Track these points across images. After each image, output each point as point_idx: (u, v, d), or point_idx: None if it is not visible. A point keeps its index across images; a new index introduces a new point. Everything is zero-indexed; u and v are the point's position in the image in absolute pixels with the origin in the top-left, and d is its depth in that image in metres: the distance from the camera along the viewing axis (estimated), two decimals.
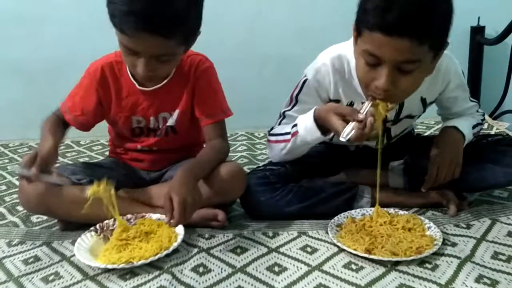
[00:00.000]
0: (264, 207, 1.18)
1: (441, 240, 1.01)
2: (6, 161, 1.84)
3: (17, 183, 1.55)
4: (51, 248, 1.09)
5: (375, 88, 0.98)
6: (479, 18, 2.18)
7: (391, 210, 1.15)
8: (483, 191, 1.29)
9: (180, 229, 1.07)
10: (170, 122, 1.23)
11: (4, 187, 1.56)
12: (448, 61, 1.15)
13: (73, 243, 1.07)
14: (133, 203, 1.19)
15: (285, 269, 0.96)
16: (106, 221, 1.11)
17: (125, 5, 0.95)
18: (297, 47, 2.15)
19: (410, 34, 0.90)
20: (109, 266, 0.96)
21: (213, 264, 0.99)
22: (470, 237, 1.05)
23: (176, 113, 1.22)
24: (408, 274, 0.92)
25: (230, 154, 1.32)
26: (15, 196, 1.43)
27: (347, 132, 0.95)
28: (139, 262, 0.97)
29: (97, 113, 1.23)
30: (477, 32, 2.20)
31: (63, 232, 1.18)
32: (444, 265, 0.94)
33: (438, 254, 0.97)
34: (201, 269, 0.97)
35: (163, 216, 1.07)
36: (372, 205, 1.17)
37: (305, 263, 0.98)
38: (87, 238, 1.07)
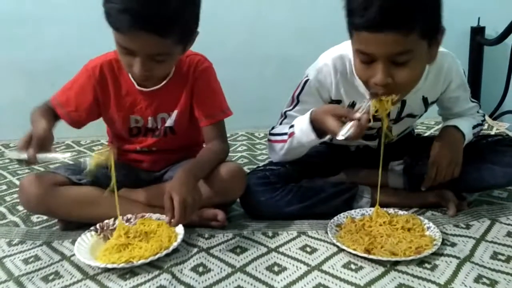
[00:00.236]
0: (264, 207, 1.18)
1: (441, 240, 1.01)
2: (7, 161, 1.84)
3: (17, 183, 1.56)
4: (51, 248, 1.09)
5: (374, 84, 0.99)
6: (479, 18, 2.19)
7: (391, 210, 1.15)
8: (483, 191, 1.29)
9: (180, 229, 1.07)
10: (169, 122, 1.23)
11: (4, 187, 1.56)
12: (451, 61, 1.16)
13: (73, 242, 1.07)
14: (133, 203, 1.19)
15: (285, 269, 0.97)
16: (106, 221, 1.11)
17: (120, 3, 0.96)
18: (298, 47, 2.15)
19: (394, 27, 0.90)
20: (109, 266, 0.96)
21: (213, 263, 1.00)
22: (470, 237, 1.05)
23: (174, 113, 1.22)
24: (407, 274, 0.92)
25: (230, 154, 1.32)
26: (15, 195, 1.43)
27: (345, 130, 0.95)
28: (139, 262, 0.97)
29: (92, 111, 1.21)
30: (477, 32, 2.21)
31: (63, 232, 1.18)
32: (443, 265, 0.94)
33: (437, 254, 0.97)
34: (200, 269, 0.98)
35: (163, 216, 1.07)
36: (372, 205, 1.17)
37: (304, 263, 0.98)
38: (87, 238, 1.08)
